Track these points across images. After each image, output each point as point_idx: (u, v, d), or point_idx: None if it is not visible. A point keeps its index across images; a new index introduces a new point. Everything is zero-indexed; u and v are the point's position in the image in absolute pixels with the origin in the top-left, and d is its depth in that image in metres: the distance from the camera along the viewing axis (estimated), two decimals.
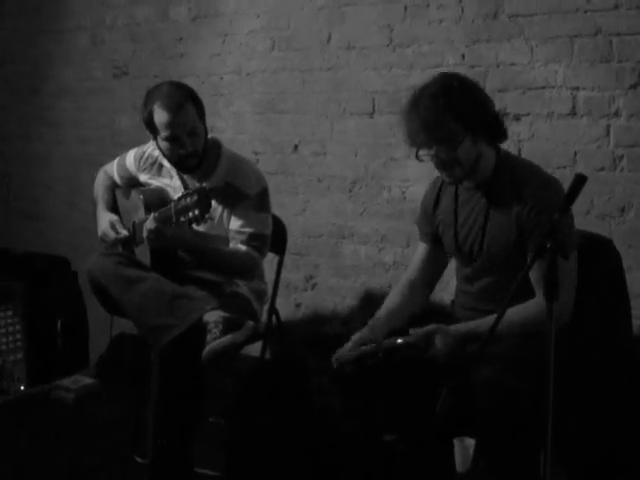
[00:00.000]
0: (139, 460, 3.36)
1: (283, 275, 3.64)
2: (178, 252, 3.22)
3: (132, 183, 3.49)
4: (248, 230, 3.23)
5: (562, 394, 2.15)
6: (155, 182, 3.40)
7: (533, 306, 2.57)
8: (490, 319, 2.28)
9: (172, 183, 3.34)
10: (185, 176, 3.30)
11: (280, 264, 3.57)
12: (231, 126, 4.53)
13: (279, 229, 3.53)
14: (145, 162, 3.43)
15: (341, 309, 4.23)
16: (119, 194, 3.55)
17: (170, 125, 3.12)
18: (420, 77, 3.75)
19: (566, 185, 2.21)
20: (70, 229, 5.37)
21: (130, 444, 3.46)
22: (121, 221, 3.40)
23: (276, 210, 3.56)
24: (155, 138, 3.22)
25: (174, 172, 3.32)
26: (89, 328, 4.93)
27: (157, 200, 3.26)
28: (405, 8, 3.83)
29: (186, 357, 2.95)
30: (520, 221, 2.61)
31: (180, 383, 2.97)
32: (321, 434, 3.09)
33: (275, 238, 3.43)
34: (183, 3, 4.66)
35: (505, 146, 2.77)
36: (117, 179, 3.56)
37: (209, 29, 4.56)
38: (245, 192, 3.23)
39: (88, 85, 5.19)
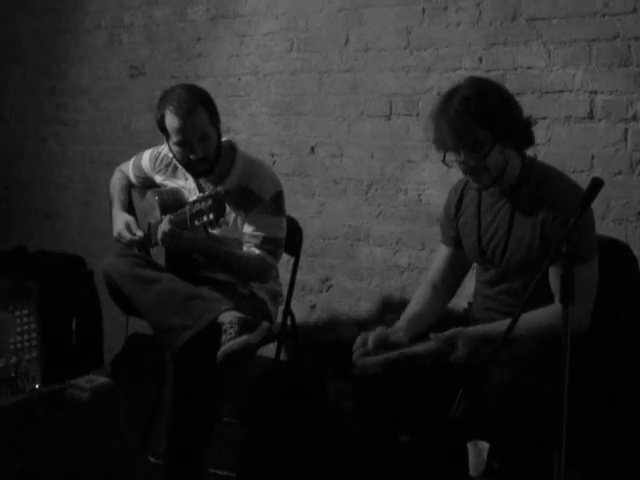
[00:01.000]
0: (152, 460, 3.37)
1: (298, 277, 3.64)
2: (192, 254, 3.22)
3: (148, 184, 3.49)
4: (262, 234, 3.23)
5: (578, 398, 2.14)
6: (170, 183, 3.41)
7: (551, 312, 2.55)
8: (508, 322, 2.27)
9: (187, 185, 3.34)
10: (200, 178, 3.30)
11: (295, 265, 3.57)
12: (248, 127, 4.53)
13: (295, 231, 3.53)
14: (160, 163, 3.43)
15: (356, 311, 4.22)
16: (135, 194, 3.55)
17: (180, 130, 3.12)
18: (437, 80, 3.78)
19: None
20: (86, 229, 5.38)
21: (143, 444, 3.47)
22: (136, 222, 3.41)
23: (292, 212, 3.56)
24: (167, 141, 3.23)
25: (189, 174, 3.32)
26: (104, 327, 4.95)
27: (172, 202, 3.26)
28: (423, 11, 3.82)
29: (201, 358, 2.95)
30: (545, 228, 2.60)
31: (195, 383, 2.97)
32: (335, 435, 3.09)
33: (291, 240, 3.43)
34: (201, 3, 4.66)
35: None
36: (133, 179, 3.57)
37: (227, 30, 4.57)
38: (260, 195, 3.23)
39: (105, 85, 5.21)
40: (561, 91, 3.47)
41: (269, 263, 3.27)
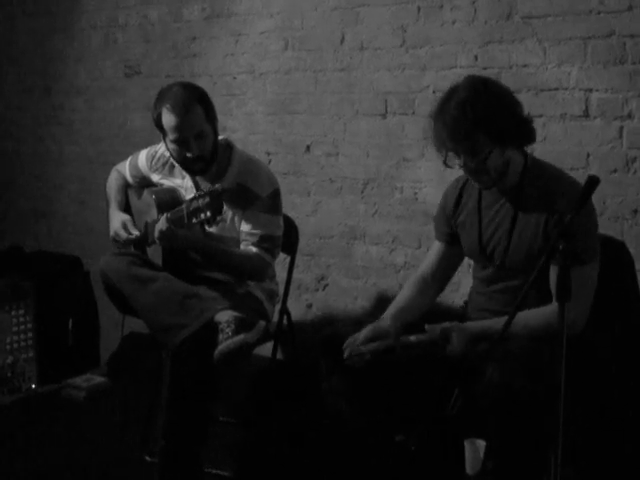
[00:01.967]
0: (148, 459, 3.37)
1: (294, 276, 3.64)
2: (189, 253, 3.22)
3: (144, 183, 3.49)
4: (259, 232, 3.23)
5: (574, 397, 2.14)
6: (167, 182, 3.41)
7: (549, 311, 2.55)
8: (505, 319, 2.27)
9: (184, 183, 3.34)
10: (197, 177, 3.30)
11: (291, 264, 3.58)
12: (243, 126, 4.53)
13: (291, 229, 3.54)
14: (157, 162, 3.43)
15: (352, 310, 4.22)
16: (131, 194, 3.55)
17: (177, 128, 3.12)
18: (433, 78, 3.78)
19: None
20: (82, 228, 5.38)
21: (140, 443, 3.47)
22: (133, 221, 3.41)
23: (288, 211, 3.56)
24: (164, 139, 3.23)
25: (185, 172, 3.32)
26: (100, 327, 4.94)
27: (169, 200, 3.26)
28: (418, 9, 3.82)
29: (198, 357, 2.95)
30: (548, 227, 2.60)
31: (191, 383, 2.97)
32: (332, 435, 3.09)
33: (287, 239, 3.43)
34: (196, 3, 4.66)
35: None
36: (129, 178, 3.57)
37: (222, 29, 4.56)
38: (257, 193, 3.23)
39: (100, 85, 5.20)
40: (556, 89, 3.47)
41: (266, 261, 3.27)
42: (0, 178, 5.82)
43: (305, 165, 4.32)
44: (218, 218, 2.92)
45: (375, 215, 4.11)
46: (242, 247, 3.26)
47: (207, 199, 2.87)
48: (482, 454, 2.71)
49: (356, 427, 2.91)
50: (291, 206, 4.05)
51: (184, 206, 2.98)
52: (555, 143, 3.47)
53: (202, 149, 3.15)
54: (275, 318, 3.45)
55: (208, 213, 2.87)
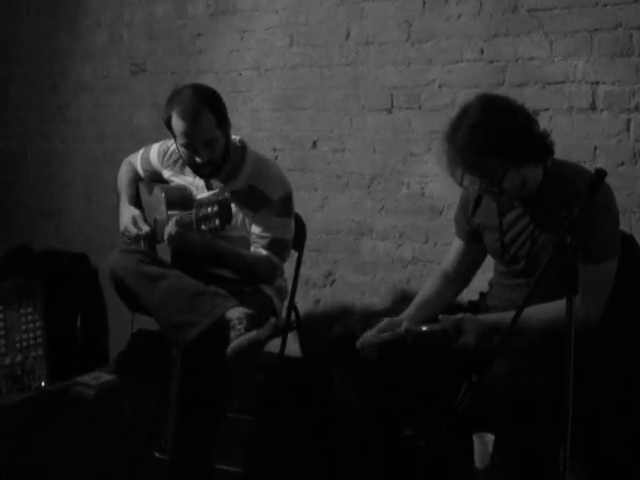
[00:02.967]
0: (158, 456, 3.37)
1: (302, 271, 3.64)
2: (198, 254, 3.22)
3: (155, 177, 3.48)
4: (270, 235, 3.23)
5: (583, 391, 2.13)
6: (178, 180, 3.40)
7: (561, 305, 2.54)
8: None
9: (195, 182, 3.33)
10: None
11: (299, 260, 3.57)
12: (250, 123, 4.52)
13: (298, 226, 3.53)
14: (169, 159, 3.42)
15: (360, 305, 4.22)
16: (142, 188, 3.54)
17: (186, 134, 3.12)
18: (439, 72, 3.77)
19: None
20: (89, 226, 5.38)
21: (150, 440, 3.47)
22: (143, 216, 3.40)
23: (295, 207, 3.56)
24: (175, 140, 3.22)
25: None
26: (109, 324, 4.95)
27: (179, 198, 3.26)
28: (424, 3, 3.81)
29: (209, 354, 2.94)
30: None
31: (202, 380, 2.97)
32: (342, 429, 3.09)
33: (295, 235, 3.42)
34: None
35: None
36: (141, 172, 3.56)
37: (227, 25, 4.56)
38: (268, 196, 3.22)
39: (106, 82, 5.20)
40: (563, 82, 3.45)
41: (276, 264, 3.27)
42: (7, 177, 5.83)
43: (311, 161, 4.32)
44: (227, 227, 2.91)
45: (382, 210, 4.11)
46: (252, 249, 3.26)
47: (216, 208, 2.87)
48: (491, 448, 2.71)
49: (366, 421, 2.90)
50: (298, 202, 4.02)
51: (193, 212, 2.97)
52: (562, 137, 3.46)
53: (211, 155, 3.14)
54: (284, 314, 3.44)
55: (217, 221, 2.87)
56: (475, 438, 2.73)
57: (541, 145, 2.60)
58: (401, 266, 4.07)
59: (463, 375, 2.26)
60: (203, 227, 2.92)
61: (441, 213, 3.89)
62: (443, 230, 3.81)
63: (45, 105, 5.57)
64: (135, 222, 3.35)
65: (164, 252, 3.26)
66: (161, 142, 3.49)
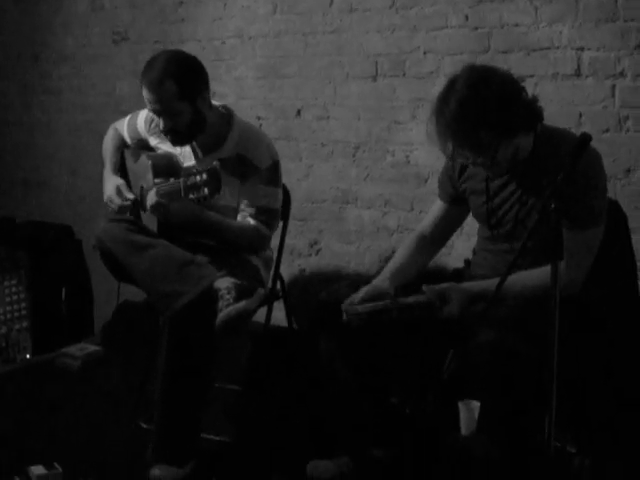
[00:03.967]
0: (144, 426, 3.37)
1: (287, 241, 3.63)
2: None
3: (142, 145, 3.45)
4: (257, 204, 3.20)
5: (566, 358, 2.13)
6: (164, 147, 3.35)
7: (546, 272, 2.54)
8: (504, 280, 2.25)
9: (182, 150, 3.30)
10: (194, 144, 3.26)
11: (284, 230, 3.55)
12: (233, 91, 4.49)
13: (284, 195, 3.50)
14: (156, 127, 3.36)
15: (345, 274, 4.22)
16: (128, 156, 3.50)
17: (149, 101, 3.09)
18: (423, 39, 3.75)
19: None
20: (73, 197, 5.36)
21: (135, 410, 3.47)
22: (128, 185, 3.38)
23: None
24: None
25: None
26: (94, 296, 4.94)
27: (166, 166, 3.23)
28: None
29: (196, 323, 2.93)
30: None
31: (190, 350, 2.95)
32: (328, 398, 3.10)
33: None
34: None
35: None
36: (127, 139, 3.51)
37: None
38: (256, 165, 3.19)
39: (88, 52, 5.16)
40: (548, 48, 3.44)
41: (263, 234, 3.24)
42: None
43: (296, 129, 4.30)
44: (215, 196, 2.88)
45: (367, 179, 4.10)
46: (239, 218, 3.23)
47: (205, 176, 2.84)
48: (476, 415, 2.73)
49: (352, 389, 2.91)
50: (283, 171, 4.02)
51: (181, 180, 2.93)
52: (547, 103, 3.38)
53: (174, 124, 3.11)
54: (269, 284, 3.44)
55: (206, 190, 2.84)
56: (461, 405, 2.74)
57: (530, 112, 2.57)
58: (386, 234, 4.07)
59: (449, 343, 2.26)
60: (191, 196, 2.89)
61: (426, 181, 3.88)
62: (428, 198, 3.79)
63: (26, 75, 5.53)
64: (119, 192, 3.31)
65: (150, 222, 3.24)
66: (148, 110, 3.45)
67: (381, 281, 2.79)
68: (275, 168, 3.25)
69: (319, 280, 4.30)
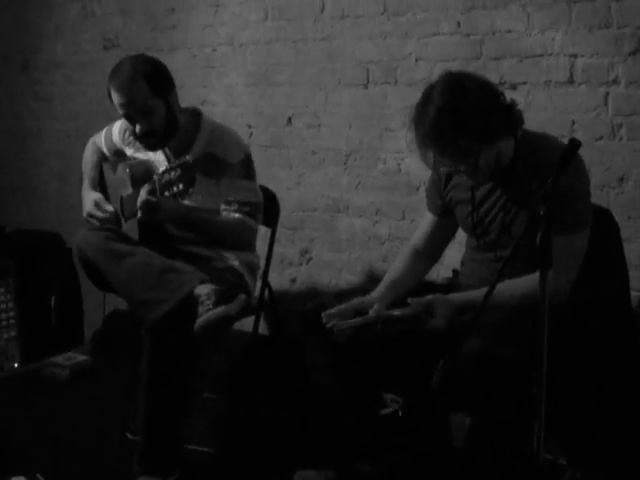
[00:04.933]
0: (130, 437, 3.34)
1: (278, 250, 3.60)
2: (167, 227, 3.17)
3: (120, 155, 3.44)
4: (237, 198, 3.18)
5: (556, 366, 2.11)
6: (141, 156, 3.35)
7: (533, 280, 2.50)
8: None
9: (156, 157, 3.29)
10: (166, 149, 3.24)
11: (272, 237, 3.52)
12: (224, 99, 4.47)
13: (271, 202, 3.48)
14: (130, 136, 3.36)
15: (336, 283, 4.19)
16: (107, 168, 3.50)
17: (120, 105, 3.08)
18: (415, 46, 3.72)
19: None
20: (63, 205, 5.33)
21: (122, 421, 3.44)
22: (105, 197, 3.38)
23: (270, 183, 3.53)
24: None
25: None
26: (84, 305, 4.90)
27: (143, 174, 3.21)
28: None
29: (177, 331, 2.90)
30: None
31: (171, 358, 2.93)
32: (316, 409, 3.07)
33: (267, 211, 3.38)
34: None
35: None
36: (106, 151, 3.52)
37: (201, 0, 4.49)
38: (228, 161, 3.18)
39: (79, 58, 5.14)
40: (541, 55, 3.41)
41: (249, 225, 3.22)
42: None
43: (287, 137, 4.27)
44: (190, 190, 2.86)
45: (358, 187, 4.07)
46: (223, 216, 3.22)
47: (179, 171, 2.83)
48: (467, 427, 2.70)
49: (340, 401, 2.88)
50: (273, 179, 4.01)
51: (156, 179, 2.93)
52: (540, 110, 3.42)
53: (151, 125, 3.10)
54: (257, 292, 3.40)
55: (180, 186, 2.83)
56: (452, 417, 2.71)
57: (510, 117, 2.54)
58: (378, 243, 4.04)
59: (437, 354, 2.23)
60: (167, 193, 2.88)
61: (418, 189, 3.85)
62: (420, 207, 3.75)
63: (17, 82, 5.51)
64: (98, 205, 3.32)
65: (131, 232, 3.22)
66: (121, 120, 3.42)
67: (372, 300, 2.75)
68: (247, 161, 3.25)
69: (310, 289, 4.27)
